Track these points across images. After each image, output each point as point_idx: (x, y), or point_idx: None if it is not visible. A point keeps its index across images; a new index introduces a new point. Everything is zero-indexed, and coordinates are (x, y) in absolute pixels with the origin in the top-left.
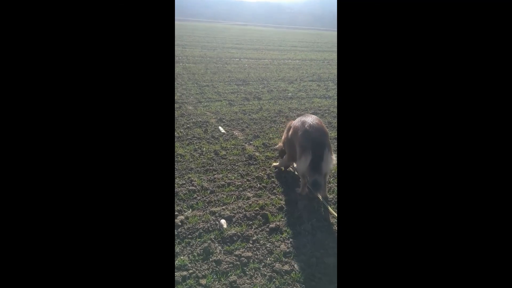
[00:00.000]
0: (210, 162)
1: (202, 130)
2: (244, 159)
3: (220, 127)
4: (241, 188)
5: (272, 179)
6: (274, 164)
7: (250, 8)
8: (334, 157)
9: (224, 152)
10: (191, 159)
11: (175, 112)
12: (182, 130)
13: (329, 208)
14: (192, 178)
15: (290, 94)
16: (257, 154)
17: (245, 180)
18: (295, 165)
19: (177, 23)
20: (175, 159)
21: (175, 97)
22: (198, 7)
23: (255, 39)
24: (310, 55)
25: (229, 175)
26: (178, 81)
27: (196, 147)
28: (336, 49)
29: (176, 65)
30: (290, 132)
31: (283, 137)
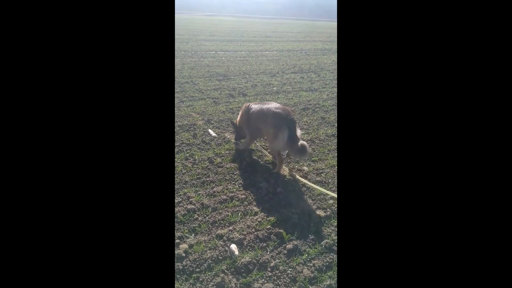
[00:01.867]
0: (206, 172)
1: (190, 135)
2: (243, 166)
3: (210, 130)
4: (246, 202)
5: (279, 189)
6: (240, 147)
7: None
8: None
9: (219, 160)
10: (183, 170)
11: None
12: None
13: (321, 189)
14: (189, 194)
15: (275, 88)
16: (255, 159)
17: (248, 192)
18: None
19: None
20: None
21: None
22: None
23: (227, 30)
24: (286, 46)
25: (229, 186)
26: None
27: (187, 155)
28: (310, 39)
29: None
30: (252, 117)
31: (239, 118)
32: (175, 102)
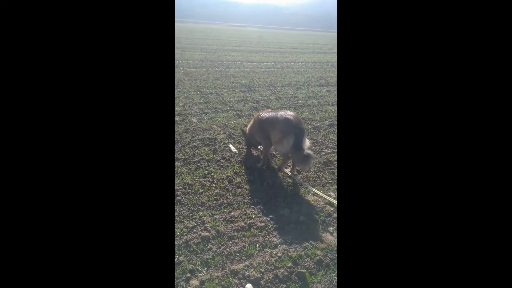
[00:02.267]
0: (224, 193)
1: (210, 150)
2: (264, 188)
3: (230, 146)
4: (265, 231)
5: (302, 217)
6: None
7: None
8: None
9: (238, 179)
10: (201, 190)
11: (179, 126)
12: (188, 150)
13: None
14: (204, 218)
15: (300, 101)
16: (278, 181)
17: (268, 218)
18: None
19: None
20: (183, 190)
21: (178, 108)
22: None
23: (254, 40)
24: (313, 58)
25: (248, 211)
26: (179, 89)
27: (206, 172)
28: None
29: (176, 70)
30: (263, 123)
31: (249, 126)
32: (199, 113)
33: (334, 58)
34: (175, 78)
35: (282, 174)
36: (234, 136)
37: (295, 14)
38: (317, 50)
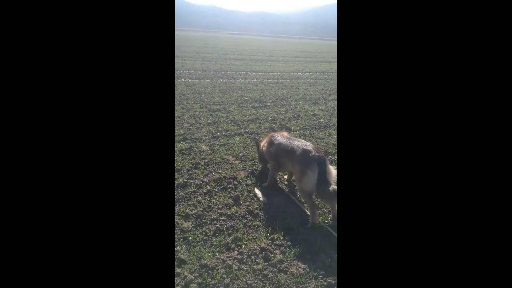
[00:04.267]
0: (256, 282)
1: (231, 198)
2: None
3: (256, 191)
4: None
5: None
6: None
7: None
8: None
9: (278, 254)
10: (227, 278)
11: (186, 158)
12: (200, 199)
13: None
14: None
15: (322, 120)
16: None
17: None
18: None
19: None
20: (200, 279)
21: (183, 131)
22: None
23: (254, 49)
24: (319, 67)
25: None
26: (183, 104)
27: (230, 241)
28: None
29: (178, 81)
30: (277, 149)
31: (262, 144)
32: (208, 137)
33: None
34: (178, 91)
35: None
36: (257, 173)
37: (293, 22)
38: (320, 59)
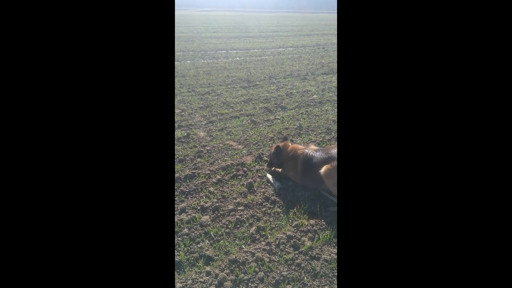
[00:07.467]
0: (292, 273)
1: (243, 185)
2: None
3: (268, 176)
4: None
5: None
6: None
7: None
8: None
9: (304, 239)
10: (257, 269)
11: (186, 147)
12: (212, 190)
13: None
14: None
15: (315, 96)
16: None
17: None
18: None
19: None
20: (228, 269)
21: (177, 118)
22: None
23: (230, 26)
24: (299, 41)
25: None
26: None
27: (253, 231)
28: (320, 33)
29: None
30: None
31: (288, 158)
32: (204, 123)
33: (321, 40)
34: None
35: None
36: (265, 157)
37: None
38: (299, 33)
